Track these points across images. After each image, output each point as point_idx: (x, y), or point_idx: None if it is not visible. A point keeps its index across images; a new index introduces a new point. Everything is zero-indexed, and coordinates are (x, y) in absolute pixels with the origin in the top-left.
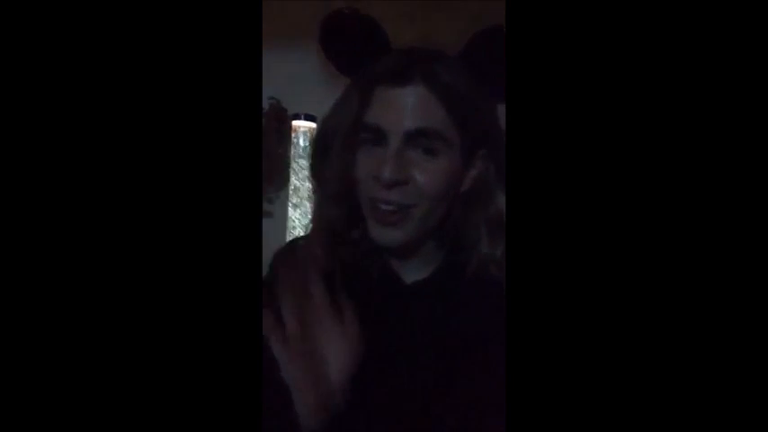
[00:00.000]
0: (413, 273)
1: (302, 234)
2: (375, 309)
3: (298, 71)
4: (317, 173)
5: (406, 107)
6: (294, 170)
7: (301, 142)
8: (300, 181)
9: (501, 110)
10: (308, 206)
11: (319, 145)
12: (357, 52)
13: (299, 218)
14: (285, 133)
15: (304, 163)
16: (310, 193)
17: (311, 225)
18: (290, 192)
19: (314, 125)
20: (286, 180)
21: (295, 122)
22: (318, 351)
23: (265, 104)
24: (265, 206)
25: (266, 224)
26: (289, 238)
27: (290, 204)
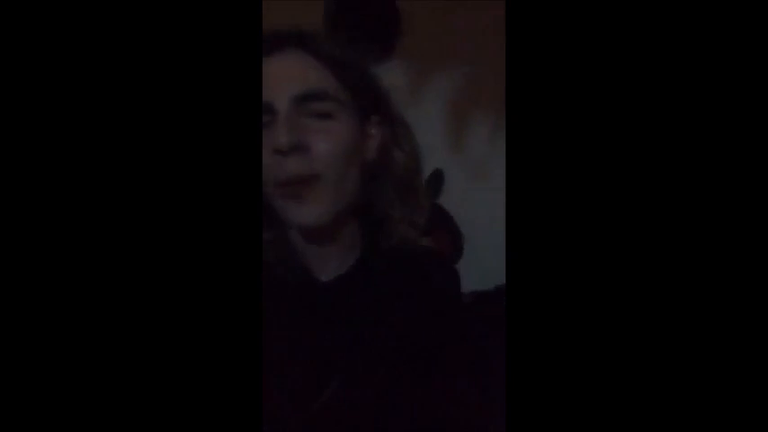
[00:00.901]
0: (332, 267)
1: None
2: (292, 315)
3: None
4: None
5: (285, 72)
6: None
7: None
8: None
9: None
10: None
11: None
12: None
13: None
14: None
15: None
16: None
17: None
18: None
19: None
20: None
21: None
22: None
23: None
24: None
25: None
26: None
27: None
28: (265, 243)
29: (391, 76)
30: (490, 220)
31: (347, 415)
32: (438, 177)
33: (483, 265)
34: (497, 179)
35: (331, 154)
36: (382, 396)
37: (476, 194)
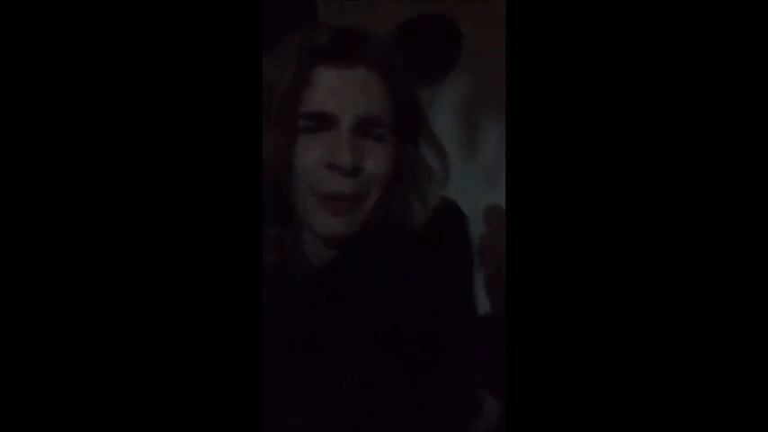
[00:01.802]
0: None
1: None
2: (290, 305)
3: None
4: None
5: (355, 92)
6: None
7: None
8: None
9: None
10: None
11: None
12: (284, 24)
13: None
14: None
15: None
16: None
17: None
18: None
19: None
20: None
21: None
22: None
23: None
24: None
25: None
26: None
27: None
28: (270, 239)
29: None
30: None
31: (345, 412)
32: None
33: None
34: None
35: (381, 176)
36: (378, 391)
37: (487, 197)
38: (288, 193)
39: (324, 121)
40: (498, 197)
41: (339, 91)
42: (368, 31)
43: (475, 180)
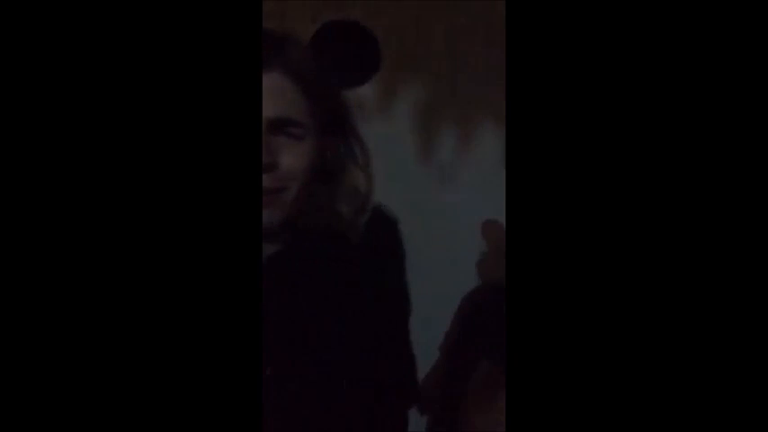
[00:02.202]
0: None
1: None
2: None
3: None
4: None
5: (267, 95)
6: None
7: None
8: None
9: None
10: None
11: None
12: None
13: None
14: None
15: None
16: None
17: None
18: None
19: None
20: None
21: None
22: None
23: None
24: None
25: None
26: None
27: None
28: None
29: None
30: (460, 226)
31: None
32: None
33: (455, 267)
34: (466, 185)
35: (296, 172)
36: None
37: (446, 200)
38: None
39: None
40: (457, 197)
41: None
42: (285, 35)
43: (432, 182)
